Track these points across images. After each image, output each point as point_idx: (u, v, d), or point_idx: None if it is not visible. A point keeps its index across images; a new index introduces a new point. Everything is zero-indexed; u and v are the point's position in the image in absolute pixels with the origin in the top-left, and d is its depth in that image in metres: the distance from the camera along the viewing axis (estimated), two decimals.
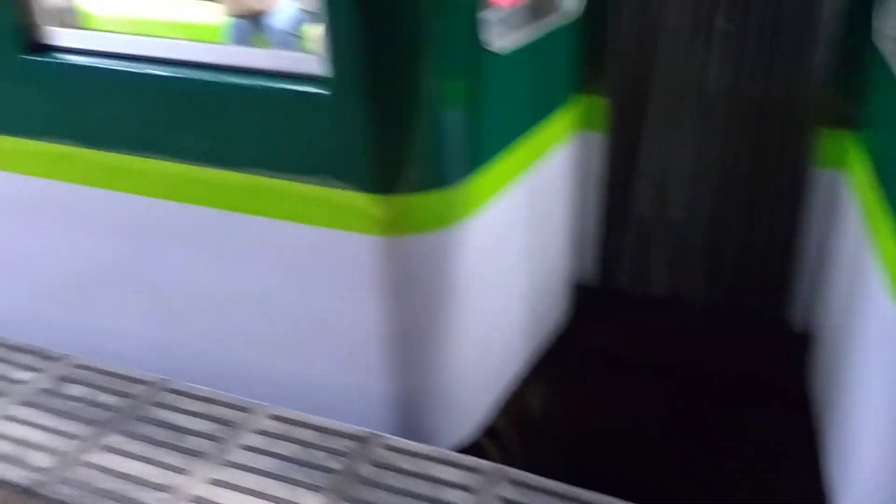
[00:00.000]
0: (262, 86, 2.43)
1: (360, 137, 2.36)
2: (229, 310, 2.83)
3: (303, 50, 4.54)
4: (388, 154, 2.39)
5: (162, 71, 2.54)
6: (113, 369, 2.88)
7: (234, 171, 2.56)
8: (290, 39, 4.64)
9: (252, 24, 4.66)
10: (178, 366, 2.88)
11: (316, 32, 4.49)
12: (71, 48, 2.65)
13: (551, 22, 2.87)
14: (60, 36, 2.66)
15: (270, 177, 2.52)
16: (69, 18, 3.27)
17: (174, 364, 2.90)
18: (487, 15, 2.46)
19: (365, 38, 2.26)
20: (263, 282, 2.73)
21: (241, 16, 4.65)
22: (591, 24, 2.98)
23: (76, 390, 2.80)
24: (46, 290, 3.12)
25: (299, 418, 2.63)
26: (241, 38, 4.66)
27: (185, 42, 2.66)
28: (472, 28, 2.38)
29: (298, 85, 2.38)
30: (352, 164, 2.40)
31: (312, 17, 4.67)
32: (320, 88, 2.32)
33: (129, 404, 2.73)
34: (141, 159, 2.68)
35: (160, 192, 2.72)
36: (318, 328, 2.72)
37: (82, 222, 2.91)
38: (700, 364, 3.30)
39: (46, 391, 2.81)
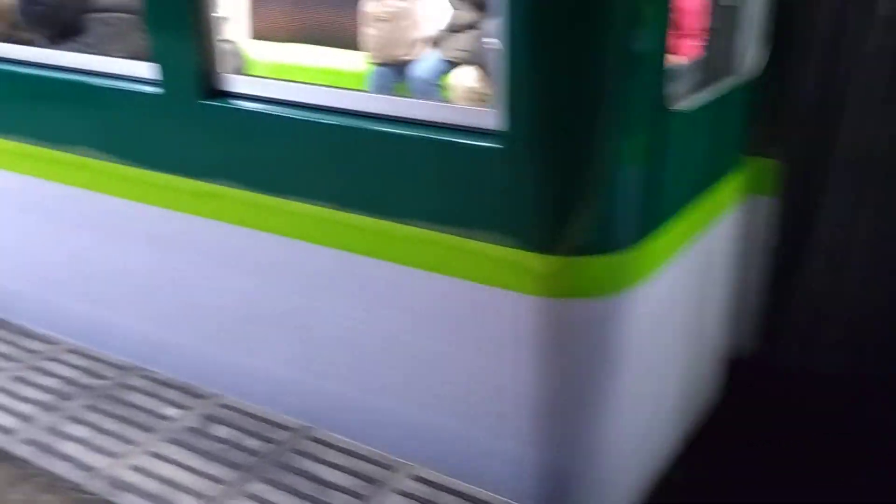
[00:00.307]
0: (430, 137, 2.39)
1: (531, 194, 2.27)
2: (374, 359, 2.78)
3: (446, 99, 4.58)
4: (559, 213, 2.29)
5: (331, 120, 2.56)
6: (257, 412, 2.87)
7: (391, 220, 2.53)
8: (431, 88, 4.66)
9: (395, 73, 4.73)
10: (321, 411, 2.85)
11: (456, 82, 4.52)
12: (244, 94, 2.71)
13: (730, 80, 2.72)
14: (236, 82, 2.72)
15: (428, 228, 2.47)
16: (237, 63, 3.39)
17: (317, 409, 2.86)
18: (669, 72, 2.35)
19: (545, 92, 2.18)
20: (409, 333, 2.67)
21: (384, 64, 4.72)
22: (769, 81, 2.81)
23: (222, 431, 2.81)
24: (195, 325, 3.17)
25: (443, 482, 2.53)
26: (384, 86, 4.73)
27: (355, 92, 2.66)
28: (654, 85, 2.28)
29: (468, 138, 2.32)
30: (519, 221, 2.31)
31: (453, 66, 4.70)
32: (492, 142, 2.26)
33: (273, 450, 2.71)
34: (300, 203, 2.69)
35: (315, 237, 2.72)
36: (466, 386, 2.62)
37: (237, 261, 2.95)
38: (868, 448, 2.99)
39: (193, 430, 2.82)
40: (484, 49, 4.50)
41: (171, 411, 2.92)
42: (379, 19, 4.61)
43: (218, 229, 2.91)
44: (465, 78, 4.47)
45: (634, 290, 2.39)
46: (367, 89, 4.74)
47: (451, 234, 2.40)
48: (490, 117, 2.27)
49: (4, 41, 3.24)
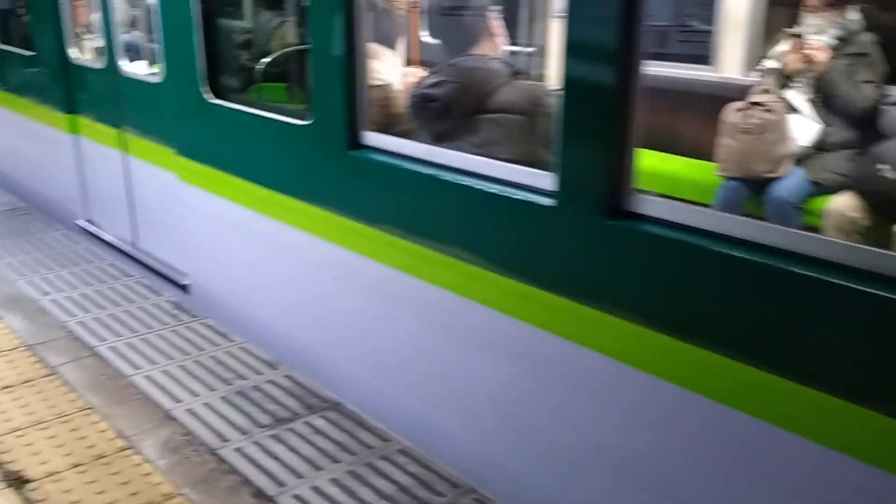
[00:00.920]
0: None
1: None
2: None
3: (807, 227, 4.00)
4: None
5: (764, 259, 2.16)
6: None
7: (806, 385, 2.07)
8: (792, 211, 4.11)
9: (749, 188, 4.25)
10: None
11: (832, 209, 3.93)
12: (657, 218, 2.40)
13: None
14: (647, 203, 2.43)
15: (857, 403, 1.98)
16: None
17: None
18: None
19: None
20: None
21: (738, 178, 4.27)
22: None
23: None
24: (537, 450, 2.86)
25: None
26: (732, 202, 4.27)
27: (812, 235, 2.22)
28: None
29: None
30: None
31: (820, 189, 4.13)
32: None
33: None
34: (700, 349, 2.30)
35: (686, 381, 2.35)
36: None
37: (604, 396, 2.62)
38: None
39: None
40: (867, 174, 3.90)
41: None
42: (742, 131, 4.20)
43: (580, 354, 2.61)
44: (843, 205, 3.87)
45: None
46: (713, 203, 4.32)
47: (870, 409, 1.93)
48: None
49: (381, 132, 3.27)
